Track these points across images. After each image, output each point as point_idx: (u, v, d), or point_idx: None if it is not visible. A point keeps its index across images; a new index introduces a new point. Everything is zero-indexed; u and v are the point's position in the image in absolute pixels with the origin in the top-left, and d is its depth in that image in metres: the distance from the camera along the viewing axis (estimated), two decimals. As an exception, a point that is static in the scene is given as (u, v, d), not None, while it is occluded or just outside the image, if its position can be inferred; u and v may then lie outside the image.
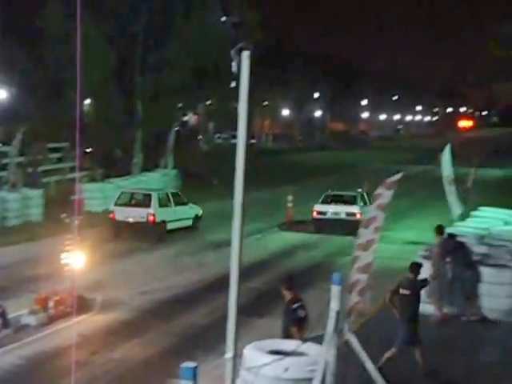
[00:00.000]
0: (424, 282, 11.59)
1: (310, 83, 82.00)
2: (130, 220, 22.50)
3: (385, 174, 11.84)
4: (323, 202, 25.19)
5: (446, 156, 22.21)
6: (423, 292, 11.74)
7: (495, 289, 13.65)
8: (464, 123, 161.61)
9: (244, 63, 5.90)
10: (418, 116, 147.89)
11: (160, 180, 33.74)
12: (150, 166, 35.67)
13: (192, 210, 24.45)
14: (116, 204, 23.14)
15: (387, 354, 10.78)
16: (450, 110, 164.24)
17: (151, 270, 18.51)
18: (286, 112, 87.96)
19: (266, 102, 77.76)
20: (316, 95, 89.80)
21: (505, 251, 15.18)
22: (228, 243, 6.98)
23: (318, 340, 8.21)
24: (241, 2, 32.24)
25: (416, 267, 11.39)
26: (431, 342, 12.17)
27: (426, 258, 14.21)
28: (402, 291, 11.08)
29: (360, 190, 26.40)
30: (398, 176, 10.60)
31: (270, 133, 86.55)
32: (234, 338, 6.58)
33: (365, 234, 9.91)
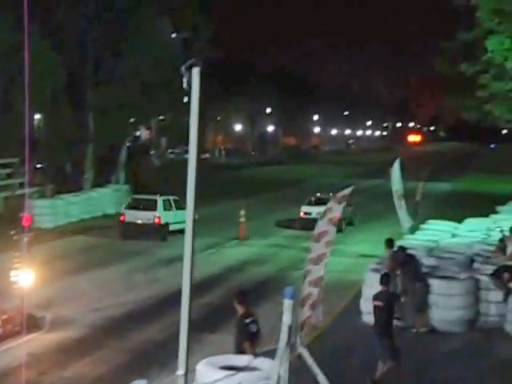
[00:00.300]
0: (396, 295, 11.59)
1: (262, 98, 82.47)
2: (139, 221, 25.82)
3: (336, 188, 12.00)
4: (308, 204, 29.48)
5: (395, 170, 22.59)
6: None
7: (444, 300, 13.89)
8: (413, 138, 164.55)
9: (194, 79, 5.95)
10: (369, 131, 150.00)
11: (112, 196, 33.44)
12: (101, 181, 35.32)
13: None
14: (126, 208, 26.51)
15: (379, 371, 10.77)
16: (399, 124, 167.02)
17: (104, 286, 18.30)
18: (238, 127, 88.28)
19: (219, 118, 77.95)
20: (268, 110, 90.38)
21: (453, 263, 15.49)
22: (181, 258, 6.97)
23: (271, 354, 8.22)
24: (193, 18, 32.30)
25: (386, 278, 11.37)
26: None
27: (376, 270, 14.39)
28: (375, 303, 11.11)
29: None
30: (348, 190, 10.75)
31: (222, 148, 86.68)
32: (185, 355, 6.56)
33: (316, 249, 10.01)
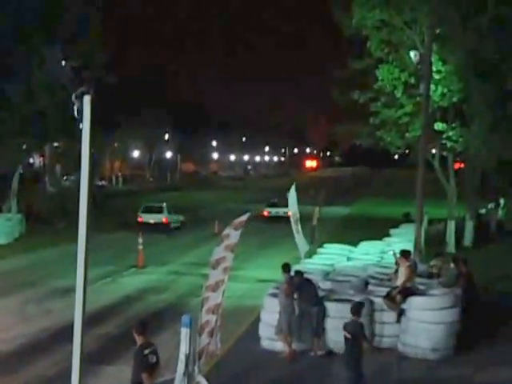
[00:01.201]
0: (361, 325, 11.25)
1: (159, 125, 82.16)
2: (151, 221, 36.76)
3: (234, 214, 12.06)
4: (267, 207, 43.43)
5: (291, 195, 22.92)
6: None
7: (340, 323, 14.09)
8: (309, 163, 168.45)
9: (85, 107, 5.87)
10: (267, 156, 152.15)
11: (4, 225, 32.26)
12: (-8, 210, 34.02)
13: (180, 217, 39.27)
14: (142, 212, 37.58)
15: None
16: (296, 150, 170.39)
17: (-6, 320, 17.53)
18: (136, 153, 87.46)
19: (116, 144, 76.93)
20: (166, 136, 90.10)
21: (348, 286, 15.82)
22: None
23: (169, 384, 8.14)
24: (85, 45, 31.89)
25: (358, 308, 11.21)
26: (283, 379, 12.40)
27: (274, 295, 14.51)
28: (344, 333, 10.93)
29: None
30: (245, 216, 10.84)
31: (120, 174, 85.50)
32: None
33: (214, 275, 10.01)
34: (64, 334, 14.67)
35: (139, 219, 36.90)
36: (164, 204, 38.04)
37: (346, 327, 11.09)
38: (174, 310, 18.69)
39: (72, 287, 7.17)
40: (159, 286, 22.84)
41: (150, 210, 37.80)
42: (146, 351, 9.20)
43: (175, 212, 38.98)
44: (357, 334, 10.86)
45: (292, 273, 14.53)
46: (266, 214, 42.31)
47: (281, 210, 40.38)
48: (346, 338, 10.95)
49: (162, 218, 37.06)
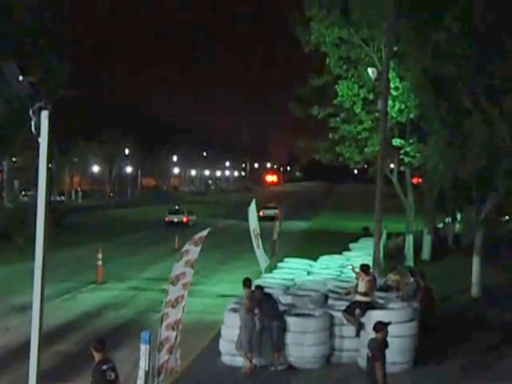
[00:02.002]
0: (383, 343, 10.75)
1: (119, 140, 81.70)
2: (175, 220, 50.87)
3: (194, 230, 12.06)
4: (264, 209, 52.35)
5: (252, 210, 22.99)
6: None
7: (300, 337, 14.20)
8: (270, 178, 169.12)
9: (43, 123, 5.84)
10: (228, 171, 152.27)
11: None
12: None
13: (194, 217, 52.96)
14: (168, 213, 52.11)
15: None
16: (257, 165, 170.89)
17: None
18: (96, 168, 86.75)
19: (75, 159, 76.23)
20: (127, 151, 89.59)
21: (309, 300, 15.89)
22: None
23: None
24: (45, 59, 31.63)
25: (378, 326, 10.83)
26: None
27: (234, 310, 14.50)
28: (367, 350, 10.65)
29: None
30: (205, 232, 10.86)
31: (79, 189, 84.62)
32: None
33: (173, 291, 9.98)
34: (21, 351, 14.45)
35: (166, 219, 51.10)
36: (184, 207, 54.90)
37: (368, 345, 10.78)
38: (133, 326, 18.51)
39: (30, 304, 7.10)
40: (118, 301, 22.61)
41: (174, 212, 52.67)
42: (105, 367, 9.10)
43: (191, 213, 53.15)
44: (374, 352, 10.54)
45: (253, 287, 14.54)
46: (261, 214, 46.43)
47: (272, 212, 53.02)
48: (367, 357, 10.68)
49: (183, 217, 51.19)
